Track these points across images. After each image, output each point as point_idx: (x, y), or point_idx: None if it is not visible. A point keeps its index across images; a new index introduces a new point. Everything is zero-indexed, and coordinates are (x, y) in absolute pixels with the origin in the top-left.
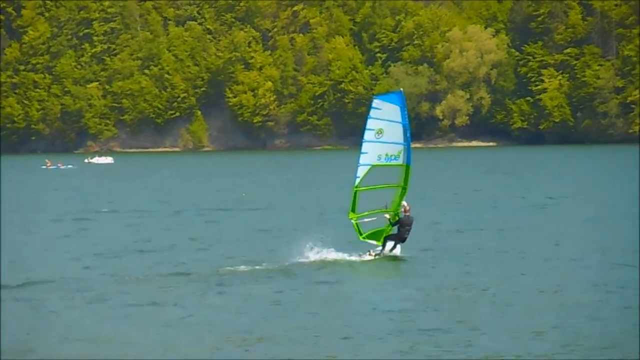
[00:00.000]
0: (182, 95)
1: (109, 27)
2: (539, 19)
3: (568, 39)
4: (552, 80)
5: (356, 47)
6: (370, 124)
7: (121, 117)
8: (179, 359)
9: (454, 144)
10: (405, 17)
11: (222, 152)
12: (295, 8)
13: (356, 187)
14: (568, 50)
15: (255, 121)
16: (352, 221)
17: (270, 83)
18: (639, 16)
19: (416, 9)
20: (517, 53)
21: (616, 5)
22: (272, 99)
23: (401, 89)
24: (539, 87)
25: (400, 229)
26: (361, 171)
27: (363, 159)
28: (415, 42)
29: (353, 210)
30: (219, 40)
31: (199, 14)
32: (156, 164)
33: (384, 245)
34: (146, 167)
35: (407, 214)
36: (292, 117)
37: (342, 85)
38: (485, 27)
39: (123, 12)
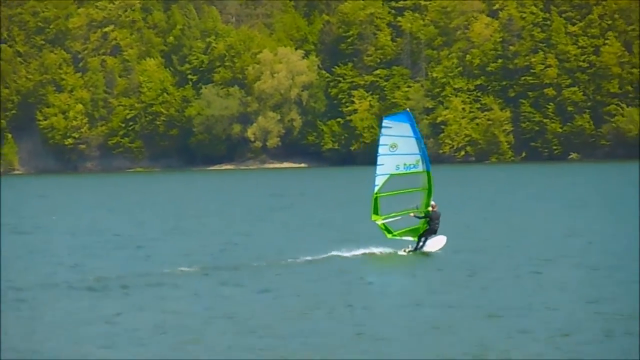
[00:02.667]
0: None
1: None
2: (349, 40)
3: (378, 60)
4: (363, 101)
5: (167, 69)
6: (383, 140)
7: None
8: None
9: (266, 166)
10: (215, 39)
11: (33, 175)
12: (105, 30)
13: (376, 193)
14: (378, 72)
15: (66, 143)
16: (378, 222)
17: (81, 105)
18: (446, 37)
19: (227, 31)
20: (327, 74)
21: (424, 26)
22: (84, 121)
23: (407, 109)
24: (349, 108)
25: (431, 223)
26: (379, 180)
27: (380, 170)
28: (226, 64)
29: (376, 213)
30: (29, 63)
31: (9, 36)
32: None
33: (419, 241)
34: None
35: (435, 209)
36: (104, 140)
37: (154, 108)
38: (296, 49)
39: None
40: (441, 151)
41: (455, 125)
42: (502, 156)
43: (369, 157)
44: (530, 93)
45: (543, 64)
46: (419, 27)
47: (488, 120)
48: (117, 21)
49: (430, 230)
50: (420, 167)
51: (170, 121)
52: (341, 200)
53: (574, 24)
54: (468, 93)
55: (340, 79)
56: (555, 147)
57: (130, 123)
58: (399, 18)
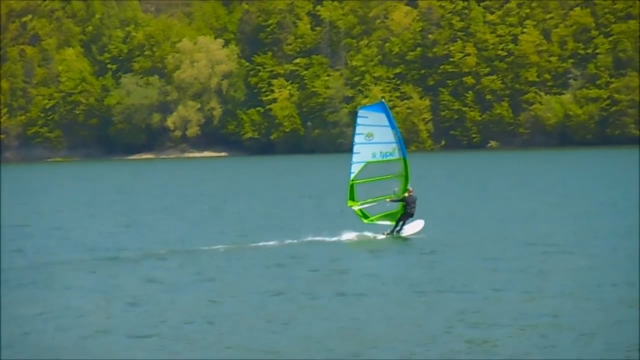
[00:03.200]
0: None
1: None
2: (269, 29)
3: (297, 49)
4: (282, 91)
5: (87, 58)
6: (359, 129)
7: None
8: None
9: (186, 155)
10: (135, 28)
11: None
12: (24, 19)
13: (352, 180)
14: (297, 61)
15: None
16: (354, 208)
17: None
18: (365, 26)
19: (146, 20)
20: (247, 63)
21: (344, 15)
22: (3, 111)
23: (383, 100)
24: (269, 97)
25: (407, 207)
26: (355, 167)
27: (356, 158)
28: (146, 53)
29: (352, 199)
30: None
31: None
32: None
33: (397, 224)
34: None
35: (411, 194)
36: (23, 130)
37: (73, 97)
38: (216, 38)
39: None
40: None
41: None
42: (421, 145)
43: (289, 146)
44: (449, 81)
45: (462, 53)
46: (338, 15)
47: (407, 108)
48: (35, 10)
49: (406, 214)
50: (397, 155)
51: (90, 110)
52: (260, 190)
53: (492, 13)
54: (387, 81)
55: (260, 68)
56: (474, 136)
57: (50, 113)
58: (319, 7)
